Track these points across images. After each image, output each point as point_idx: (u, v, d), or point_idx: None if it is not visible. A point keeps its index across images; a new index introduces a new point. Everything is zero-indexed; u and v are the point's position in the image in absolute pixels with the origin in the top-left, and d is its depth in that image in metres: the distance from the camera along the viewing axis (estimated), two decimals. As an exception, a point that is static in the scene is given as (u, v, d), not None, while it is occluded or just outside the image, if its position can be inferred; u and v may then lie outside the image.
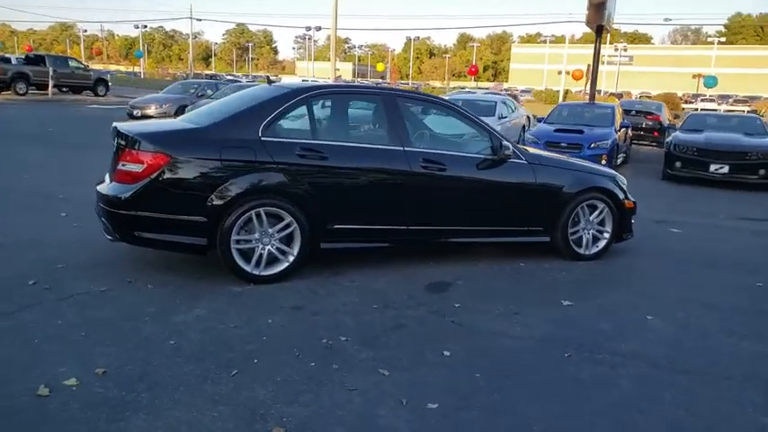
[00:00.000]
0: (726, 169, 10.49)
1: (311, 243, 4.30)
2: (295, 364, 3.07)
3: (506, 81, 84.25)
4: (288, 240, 4.25)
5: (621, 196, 5.27)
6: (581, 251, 5.17)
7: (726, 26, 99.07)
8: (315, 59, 77.20)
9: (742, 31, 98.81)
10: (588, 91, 47.47)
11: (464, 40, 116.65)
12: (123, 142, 4.09)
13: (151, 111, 17.03)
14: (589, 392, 2.91)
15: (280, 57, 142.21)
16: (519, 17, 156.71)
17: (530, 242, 5.10)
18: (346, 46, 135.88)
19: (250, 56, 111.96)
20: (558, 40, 77.12)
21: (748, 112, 30.70)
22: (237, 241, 4.10)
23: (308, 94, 4.39)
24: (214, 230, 4.04)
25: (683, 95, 51.70)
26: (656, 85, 60.76)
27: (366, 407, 2.69)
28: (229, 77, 56.78)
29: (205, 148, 4.04)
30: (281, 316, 3.68)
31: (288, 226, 4.21)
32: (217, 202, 4.01)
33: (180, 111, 17.26)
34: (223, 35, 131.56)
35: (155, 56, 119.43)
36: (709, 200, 9.55)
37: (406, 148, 4.50)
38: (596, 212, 5.18)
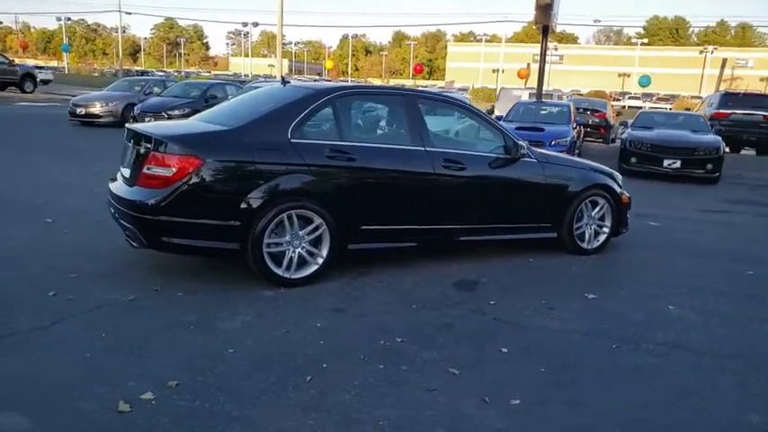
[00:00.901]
0: (678, 164, 11.13)
1: (339, 244, 4.28)
2: (364, 366, 3.07)
3: (443, 79, 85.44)
4: (316, 242, 4.22)
5: (619, 192, 5.53)
6: (584, 245, 5.39)
7: (644, 28, 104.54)
8: (249, 56, 75.68)
9: (659, 32, 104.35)
10: (525, 88, 48.89)
11: (399, 38, 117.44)
12: (149, 145, 3.93)
13: (96, 109, 16.25)
14: (651, 382, 3.06)
15: (211, 52, 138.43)
16: (453, 16, 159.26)
17: (538, 238, 5.25)
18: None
19: (182, 51, 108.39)
20: (494, 39, 79.11)
21: (674, 108, 32.56)
22: (268, 245, 4.03)
23: (333, 95, 4.36)
24: (246, 234, 3.96)
25: (611, 93, 54.13)
26: (585, 83, 63.27)
27: (452, 406, 2.73)
28: (160, 73, 54.74)
29: (238, 151, 3.95)
30: (327, 319, 3.66)
31: (317, 228, 4.17)
32: (250, 205, 3.93)
33: (127, 109, 16.58)
34: (151, 30, 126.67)
35: (77, 50, 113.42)
36: (666, 193, 10.10)
37: (427, 149, 4.55)
38: (597, 208, 5.42)
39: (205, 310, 3.71)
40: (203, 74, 75.21)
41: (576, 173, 5.32)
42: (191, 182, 3.81)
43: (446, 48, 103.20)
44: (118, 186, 4.27)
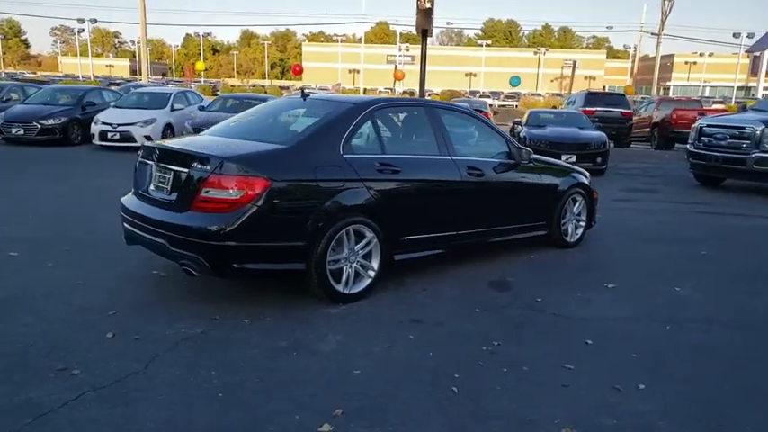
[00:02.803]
0: (573, 159, 12.33)
1: (387, 256, 4.34)
2: (491, 372, 3.22)
3: (300, 79, 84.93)
4: (366, 256, 4.25)
5: (591, 188, 6.15)
6: (568, 239, 5.92)
7: (482, 30, 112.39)
8: (89, 55, 69.45)
9: (495, 34, 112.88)
10: (393, 89, 49.64)
11: (248, 37, 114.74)
12: (205, 167, 3.69)
13: (-55, 119, 14.15)
14: (720, 354, 3.56)
15: (33, 50, 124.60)
16: (304, 16, 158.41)
17: (534, 236, 5.67)
18: (116, 40, 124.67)
19: None
20: (347, 39, 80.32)
21: (521, 105, 35.71)
22: (329, 262, 4.00)
23: (371, 109, 4.40)
24: (310, 253, 3.89)
25: (462, 92, 57.69)
26: (436, 83, 66.67)
27: (596, 398, 2.98)
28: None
29: (300, 170, 3.86)
30: (413, 331, 3.73)
31: (369, 242, 4.21)
32: (314, 224, 3.87)
33: (-15, 118, 14.64)
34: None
35: None
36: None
37: (453, 157, 4.76)
38: (576, 205, 5.98)
39: (288, 334, 3.60)
40: (28, 75, 67.48)
41: (562, 174, 5.83)
42: (259, 204, 3.66)
43: (298, 47, 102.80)
44: (153, 211, 3.95)
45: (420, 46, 17.66)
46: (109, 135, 13.54)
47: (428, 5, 17.52)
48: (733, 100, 52.55)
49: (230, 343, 3.46)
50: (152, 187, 4.11)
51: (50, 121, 14.19)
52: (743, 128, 10.26)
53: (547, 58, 75.57)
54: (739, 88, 66.69)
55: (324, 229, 3.91)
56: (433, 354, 3.42)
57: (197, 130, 12.89)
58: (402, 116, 4.90)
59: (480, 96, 55.48)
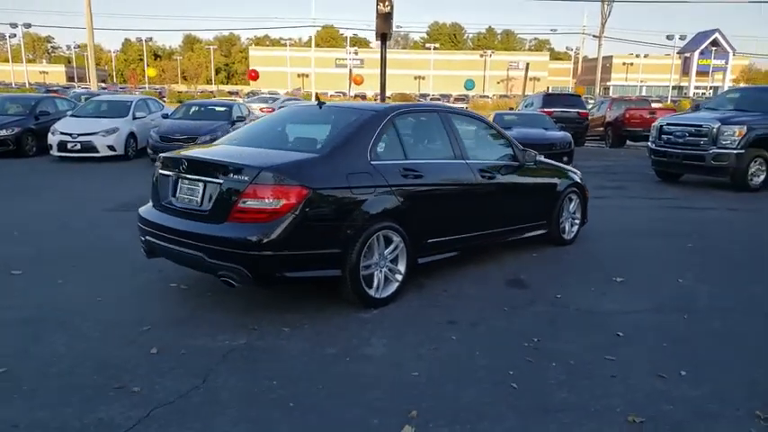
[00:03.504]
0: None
1: (412, 260, 4.42)
2: (542, 367, 3.33)
3: (246, 84, 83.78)
4: (393, 261, 4.31)
5: (584, 188, 6.39)
6: (565, 237, 6.14)
7: (428, 33, 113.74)
8: (23, 61, 66.37)
9: (440, 37, 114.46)
10: (350, 94, 49.88)
11: (190, 42, 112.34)
12: (243, 177, 3.67)
13: None
14: (742, 341, 3.79)
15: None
16: (248, 20, 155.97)
17: (536, 234, 5.85)
18: (50, 45, 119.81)
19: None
20: (295, 44, 79.72)
21: (470, 107, 36.40)
22: (362, 267, 4.04)
23: (392, 115, 4.47)
24: (345, 259, 3.92)
25: (412, 95, 58.26)
26: (387, 86, 67.18)
27: (646, 386, 3.13)
28: None
29: (335, 178, 3.89)
30: (452, 332, 3.81)
31: (396, 246, 4.27)
32: (349, 230, 3.91)
33: None
34: None
35: None
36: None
37: (467, 161, 4.88)
38: (572, 204, 6.21)
39: (332, 340, 3.63)
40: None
41: (560, 174, 6.04)
42: (298, 212, 3.67)
43: (243, 51, 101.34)
44: (183, 223, 3.89)
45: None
46: (69, 146, 13.03)
47: (387, 10, 17.74)
48: (669, 98, 55.14)
49: (278, 352, 3.46)
50: (177, 198, 4.05)
51: (2, 132, 13.57)
52: (700, 126, 10.81)
53: (492, 61, 77.46)
54: (673, 87, 69.96)
55: (357, 235, 3.95)
56: (480, 353, 3.51)
57: (164, 138, 12.61)
58: (419, 121, 4.98)
59: (431, 99, 56.25)
